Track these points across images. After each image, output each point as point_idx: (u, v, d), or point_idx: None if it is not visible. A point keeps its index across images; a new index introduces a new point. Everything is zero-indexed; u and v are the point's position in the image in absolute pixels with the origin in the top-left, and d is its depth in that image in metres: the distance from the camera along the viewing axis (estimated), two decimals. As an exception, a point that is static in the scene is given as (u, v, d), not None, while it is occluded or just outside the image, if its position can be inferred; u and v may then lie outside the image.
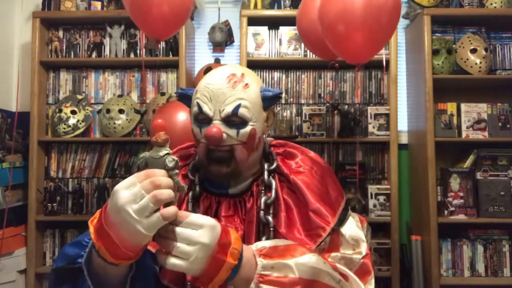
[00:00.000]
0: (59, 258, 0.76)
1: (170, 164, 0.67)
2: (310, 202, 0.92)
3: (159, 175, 0.65)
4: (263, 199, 0.92)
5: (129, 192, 0.63)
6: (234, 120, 0.90)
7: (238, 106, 0.89)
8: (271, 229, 0.90)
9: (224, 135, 0.88)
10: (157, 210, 0.64)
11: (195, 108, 0.92)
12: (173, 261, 0.66)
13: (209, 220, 0.69)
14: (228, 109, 0.89)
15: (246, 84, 0.92)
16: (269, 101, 0.96)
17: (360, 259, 0.92)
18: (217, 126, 0.88)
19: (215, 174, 0.92)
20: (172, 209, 0.64)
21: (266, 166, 0.97)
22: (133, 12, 1.64)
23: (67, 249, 0.76)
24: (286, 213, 0.93)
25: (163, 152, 0.67)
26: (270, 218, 0.91)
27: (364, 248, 0.94)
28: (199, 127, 0.92)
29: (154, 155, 0.67)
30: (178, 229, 0.67)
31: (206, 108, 0.90)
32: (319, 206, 0.92)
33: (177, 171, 0.67)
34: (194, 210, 0.93)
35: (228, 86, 0.90)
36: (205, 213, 0.94)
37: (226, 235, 0.71)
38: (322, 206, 0.92)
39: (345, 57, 1.52)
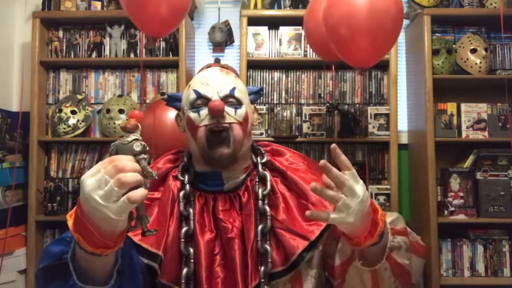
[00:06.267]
0: (44, 257, 0.75)
1: (137, 149, 0.66)
2: (310, 195, 0.96)
3: (124, 160, 0.64)
4: (260, 190, 0.97)
5: (94, 179, 0.63)
6: (231, 100, 0.98)
7: (234, 88, 1.00)
8: (268, 217, 0.94)
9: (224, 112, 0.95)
10: (126, 194, 0.63)
11: (192, 96, 0.99)
12: (333, 216, 0.75)
13: (360, 180, 0.77)
14: (226, 90, 0.99)
15: (236, 76, 1.04)
16: (254, 95, 1.08)
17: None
18: (218, 100, 0.95)
19: (218, 157, 0.96)
20: (139, 191, 0.63)
21: (258, 159, 1.03)
22: (130, 9, 1.63)
23: (52, 247, 0.76)
24: (285, 205, 0.97)
25: (131, 137, 0.68)
26: (267, 207, 0.95)
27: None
28: (197, 112, 0.97)
29: (123, 141, 0.68)
30: (348, 183, 0.74)
31: (204, 91, 0.98)
32: (318, 198, 0.95)
33: (144, 155, 0.67)
34: (186, 209, 0.96)
35: (222, 75, 1.02)
36: (202, 209, 0.97)
37: (372, 202, 0.81)
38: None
39: (349, 62, 1.54)
